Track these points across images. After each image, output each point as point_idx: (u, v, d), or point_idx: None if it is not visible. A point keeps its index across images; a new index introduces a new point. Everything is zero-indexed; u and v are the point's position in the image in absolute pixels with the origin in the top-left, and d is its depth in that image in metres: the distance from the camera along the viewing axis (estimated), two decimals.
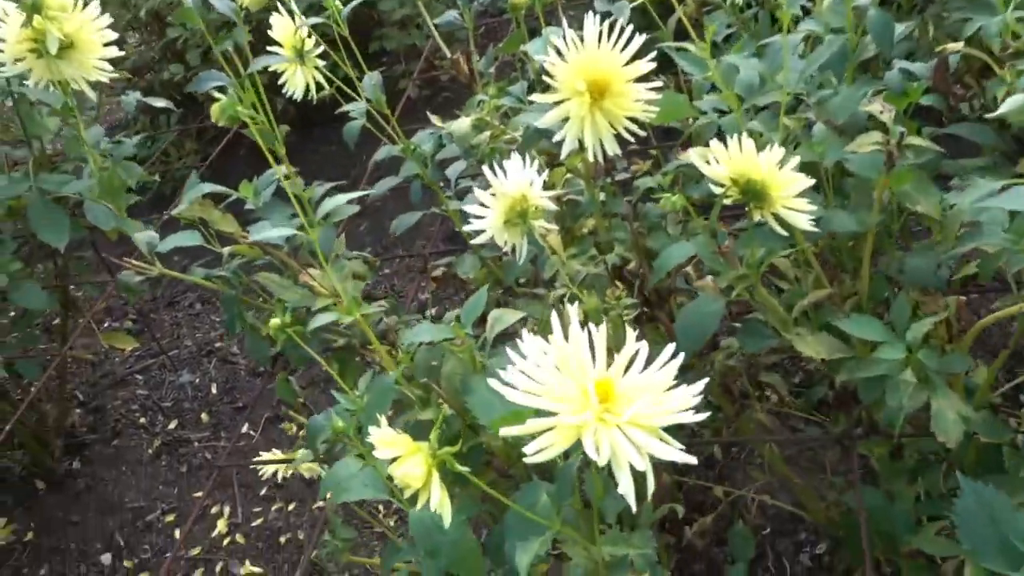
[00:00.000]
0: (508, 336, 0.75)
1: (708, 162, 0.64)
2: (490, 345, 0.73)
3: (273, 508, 1.79)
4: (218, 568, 1.67)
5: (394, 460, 0.50)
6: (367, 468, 0.62)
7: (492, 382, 0.48)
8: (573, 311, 0.49)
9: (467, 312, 0.71)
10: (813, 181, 0.60)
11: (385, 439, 0.49)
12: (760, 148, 0.60)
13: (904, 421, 0.60)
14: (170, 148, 2.76)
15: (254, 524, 1.74)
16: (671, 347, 0.50)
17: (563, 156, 0.74)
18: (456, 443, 0.72)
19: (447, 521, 0.50)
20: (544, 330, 0.86)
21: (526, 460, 0.46)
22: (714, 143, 0.61)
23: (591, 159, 0.72)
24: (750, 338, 0.75)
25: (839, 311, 0.71)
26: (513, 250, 0.68)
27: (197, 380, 2.08)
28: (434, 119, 0.99)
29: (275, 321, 0.73)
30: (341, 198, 0.68)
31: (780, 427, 0.93)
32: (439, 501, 0.49)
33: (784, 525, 1.28)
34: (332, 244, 0.99)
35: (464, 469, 0.51)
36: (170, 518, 1.78)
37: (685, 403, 0.46)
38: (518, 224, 0.65)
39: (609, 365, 0.50)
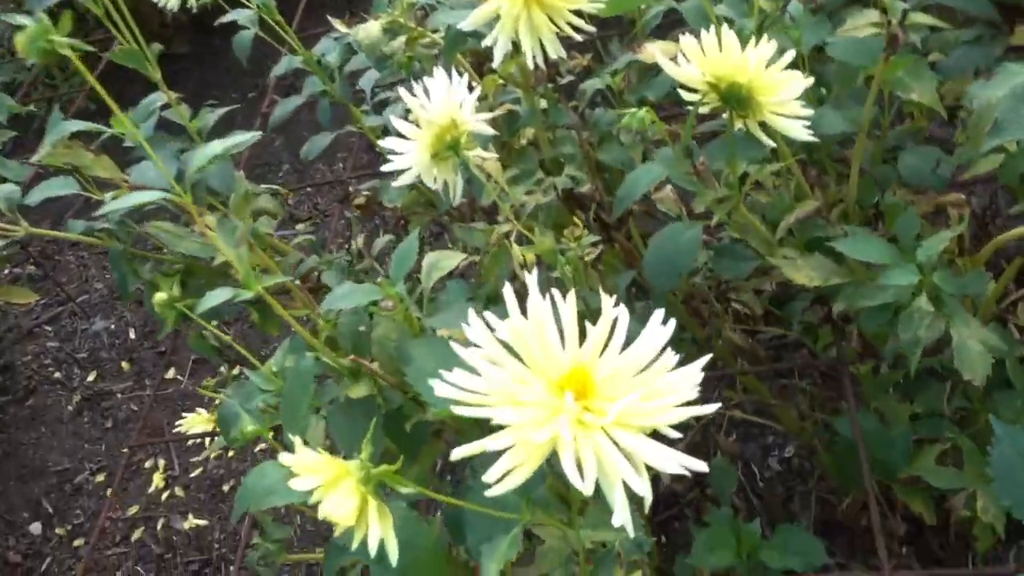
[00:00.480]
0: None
1: (676, 61, 0.51)
2: (427, 299, 0.62)
3: (212, 456, 1.68)
4: (159, 525, 1.57)
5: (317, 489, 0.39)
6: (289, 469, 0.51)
7: (436, 384, 0.37)
8: (531, 280, 0.38)
9: (397, 264, 0.59)
10: (811, 81, 0.48)
11: (303, 464, 0.38)
12: (743, 42, 0.48)
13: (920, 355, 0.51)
14: (55, 70, 2.48)
15: (193, 475, 1.63)
16: (659, 314, 0.39)
17: (496, 63, 0.61)
18: (398, 436, 0.62)
19: (394, 557, 0.40)
20: (489, 272, 0.74)
21: (487, 494, 0.35)
22: (685, 39, 0.49)
23: (530, 65, 0.60)
24: (727, 262, 0.65)
25: (828, 226, 0.61)
26: (445, 188, 0.56)
27: (112, 326, 1.92)
28: (337, 24, 0.84)
29: (160, 296, 0.60)
30: (230, 141, 0.53)
31: (755, 347, 0.85)
32: (379, 535, 0.38)
33: (750, 430, 1.23)
34: (232, 179, 0.84)
35: (410, 489, 0.40)
36: (100, 478, 1.66)
37: (686, 390, 0.35)
38: (448, 157, 0.53)
39: (581, 344, 0.39)
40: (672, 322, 0.39)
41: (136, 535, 1.56)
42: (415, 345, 0.57)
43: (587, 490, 0.33)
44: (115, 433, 1.73)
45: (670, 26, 0.77)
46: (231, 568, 1.50)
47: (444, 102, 0.51)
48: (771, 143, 0.53)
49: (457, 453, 0.36)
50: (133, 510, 1.59)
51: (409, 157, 0.53)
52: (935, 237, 0.53)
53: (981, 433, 0.66)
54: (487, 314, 0.39)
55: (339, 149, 2.00)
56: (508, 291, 0.38)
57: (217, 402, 1.43)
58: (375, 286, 0.57)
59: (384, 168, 0.55)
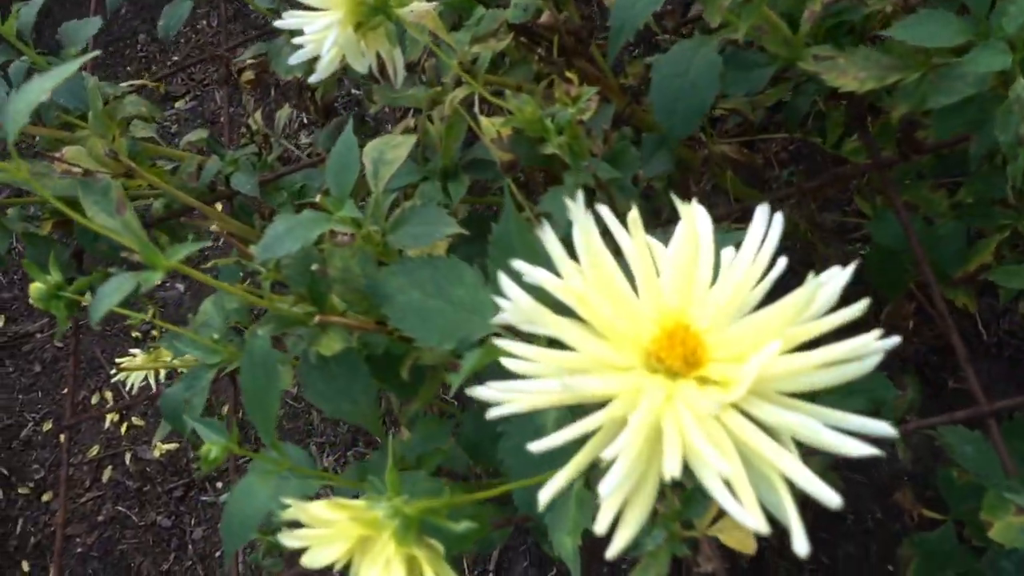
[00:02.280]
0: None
1: None
2: (384, 208, 0.48)
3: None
4: (127, 459, 1.46)
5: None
6: (279, 480, 0.39)
7: (482, 390, 0.25)
8: (577, 208, 0.25)
9: (336, 175, 0.45)
10: None
11: (316, 536, 0.26)
12: None
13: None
14: None
15: (146, 401, 1.51)
16: (763, 211, 0.27)
17: None
18: (389, 382, 0.50)
19: None
20: (448, 148, 0.60)
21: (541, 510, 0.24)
22: None
23: None
24: (733, 74, 0.51)
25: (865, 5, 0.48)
26: (383, 72, 0.41)
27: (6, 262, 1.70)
28: None
29: (37, 287, 0.45)
30: (50, 77, 0.36)
31: (751, 157, 0.74)
32: None
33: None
34: (84, 92, 0.66)
35: (465, 527, 0.29)
36: (47, 426, 1.53)
37: (864, 343, 0.24)
38: (377, 23, 0.37)
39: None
40: (780, 217, 0.27)
41: (107, 475, 1.46)
42: (388, 276, 0.44)
43: (718, 495, 0.22)
44: (47, 376, 1.57)
45: None
46: (218, 484, 1.42)
47: None
48: None
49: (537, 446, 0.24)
50: (94, 451, 1.48)
51: (322, 34, 0.38)
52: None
53: None
54: (521, 267, 0.26)
55: (200, 4, 1.73)
56: (577, 211, 0.26)
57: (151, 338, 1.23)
58: (318, 214, 0.43)
59: (290, 60, 0.39)
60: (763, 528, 0.22)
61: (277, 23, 0.38)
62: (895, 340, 0.24)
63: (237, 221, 0.75)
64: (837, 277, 0.25)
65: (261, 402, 0.38)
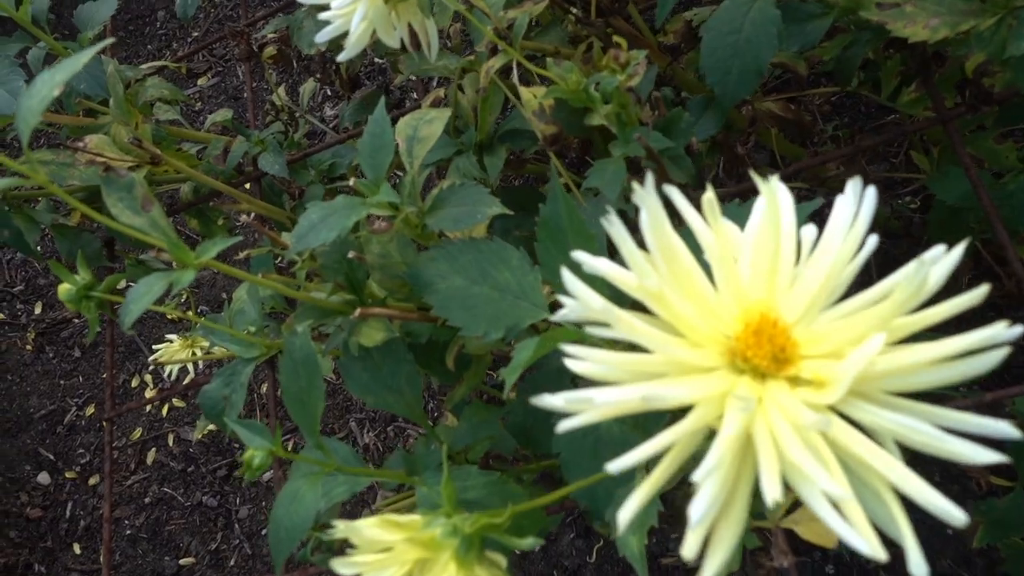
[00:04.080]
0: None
1: None
2: (420, 186, 0.45)
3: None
4: (170, 441, 1.47)
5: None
6: (325, 480, 0.37)
7: (551, 400, 0.23)
8: (646, 193, 0.22)
9: (370, 156, 0.42)
10: None
11: (370, 562, 0.24)
12: None
13: None
14: None
15: (185, 382, 1.51)
16: (855, 184, 0.24)
17: None
18: (435, 369, 0.47)
19: None
20: (484, 122, 0.56)
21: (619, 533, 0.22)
22: None
23: None
24: (795, 27, 0.48)
25: None
26: (416, 42, 0.38)
27: (40, 247, 1.71)
28: None
29: (66, 287, 0.43)
30: (61, 72, 0.33)
31: (799, 114, 0.70)
32: None
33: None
34: (104, 79, 0.64)
35: (530, 541, 0.26)
36: (90, 410, 1.54)
37: (993, 334, 0.21)
38: None
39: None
40: (872, 191, 0.24)
41: (151, 458, 1.47)
42: (428, 262, 0.41)
43: (865, 540, 0.20)
44: (87, 361, 1.58)
45: None
46: None
47: None
48: None
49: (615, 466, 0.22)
50: (137, 434, 1.49)
51: (353, 10, 0.35)
52: None
53: None
54: (581, 258, 0.24)
55: None
56: (616, 226, 0.23)
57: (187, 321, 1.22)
58: (353, 199, 0.40)
59: (317, 39, 0.36)
60: (881, 557, 0.19)
61: None
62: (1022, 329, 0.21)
63: (266, 203, 0.73)
64: (946, 258, 0.22)
65: (304, 402, 0.36)
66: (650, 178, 0.23)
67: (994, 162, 0.59)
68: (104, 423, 1.41)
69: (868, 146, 0.55)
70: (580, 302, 0.22)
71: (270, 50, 0.81)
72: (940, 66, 0.54)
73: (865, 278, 0.23)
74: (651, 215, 0.23)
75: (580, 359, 0.23)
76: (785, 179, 0.69)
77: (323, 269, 0.43)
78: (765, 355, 0.22)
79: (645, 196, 0.23)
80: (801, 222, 0.27)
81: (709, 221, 0.24)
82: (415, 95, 1.47)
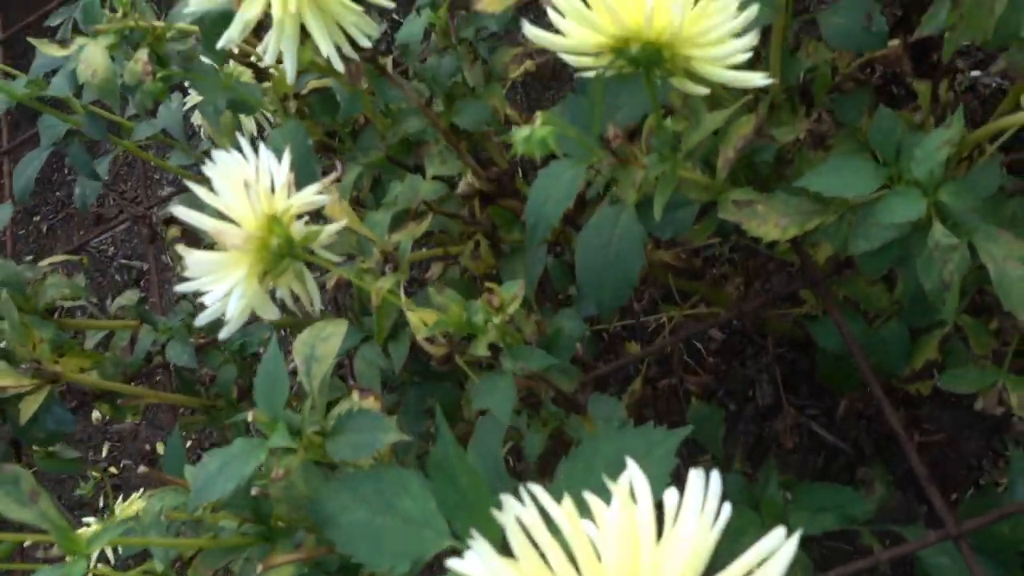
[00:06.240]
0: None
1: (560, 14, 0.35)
2: (320, 412, 0.46)
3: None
4: None
5: None
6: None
7: None
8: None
9: (265, 396, 0.43)
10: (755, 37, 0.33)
11: None
12: None
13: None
14: None
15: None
16: (698, 477, 0.26)
17: (266, 61, 0.43)
18: None
19: None
20: (380, 327, 0.58)
21: None
22: None
23: (336, 66, 0.42)
24: (666, 216, 0.51)
25: (772, 142, 0.48)
26: (296, 299, 0.39)
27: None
28: (43, 46, 0.60)
29: None
30: None
31: (689, 261, 0.74)
32: None
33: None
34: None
35: None
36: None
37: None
38: (284, 267, 0.36)
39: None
40: (717, 477, 0.27)
41: None
42: (329, 494, 0.42)
43: None
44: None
45: None
46: None
47: (250, 192, 0.34)
48: (704, 90, 0.38)
49: None
50: None
51: (226, 297, 0.36)
52: (930, 138, 0.41)
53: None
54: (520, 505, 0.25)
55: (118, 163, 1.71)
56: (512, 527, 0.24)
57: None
58: (252, 443, 0.41)
59: (199, 320, 0.37)
60: None
61: (178, 287, 0.37)
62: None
63: (176, 394, 0.72)
64: (783, 549, 0.25)
65: None
66: (510, 501, 0.24)
67: (868, 304, 0.63)
68: None
69: (749, 311, 0.58)
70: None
71: (174, 230, 0.82)
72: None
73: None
74: (513, 535, 0.25)
75: None
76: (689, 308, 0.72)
77: (228, 509, 0.43)
78: None
79: (506, 518, 0.25)
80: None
81: (569, 525, 0.25)
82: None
